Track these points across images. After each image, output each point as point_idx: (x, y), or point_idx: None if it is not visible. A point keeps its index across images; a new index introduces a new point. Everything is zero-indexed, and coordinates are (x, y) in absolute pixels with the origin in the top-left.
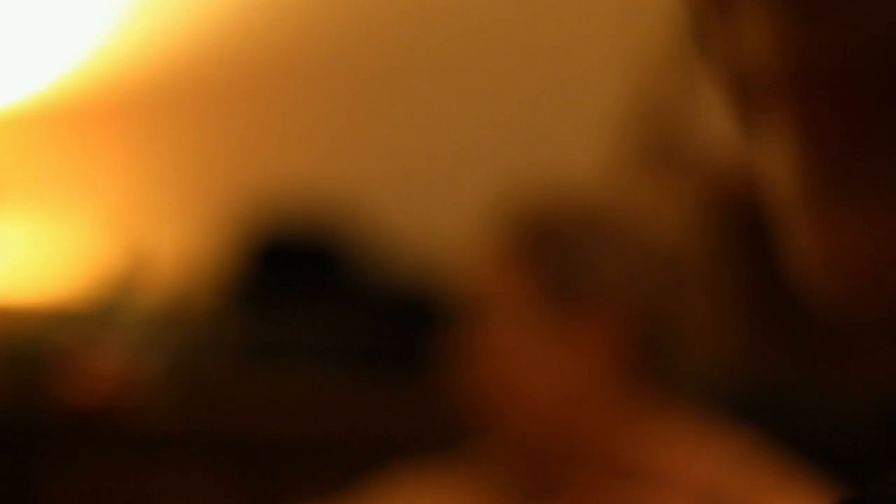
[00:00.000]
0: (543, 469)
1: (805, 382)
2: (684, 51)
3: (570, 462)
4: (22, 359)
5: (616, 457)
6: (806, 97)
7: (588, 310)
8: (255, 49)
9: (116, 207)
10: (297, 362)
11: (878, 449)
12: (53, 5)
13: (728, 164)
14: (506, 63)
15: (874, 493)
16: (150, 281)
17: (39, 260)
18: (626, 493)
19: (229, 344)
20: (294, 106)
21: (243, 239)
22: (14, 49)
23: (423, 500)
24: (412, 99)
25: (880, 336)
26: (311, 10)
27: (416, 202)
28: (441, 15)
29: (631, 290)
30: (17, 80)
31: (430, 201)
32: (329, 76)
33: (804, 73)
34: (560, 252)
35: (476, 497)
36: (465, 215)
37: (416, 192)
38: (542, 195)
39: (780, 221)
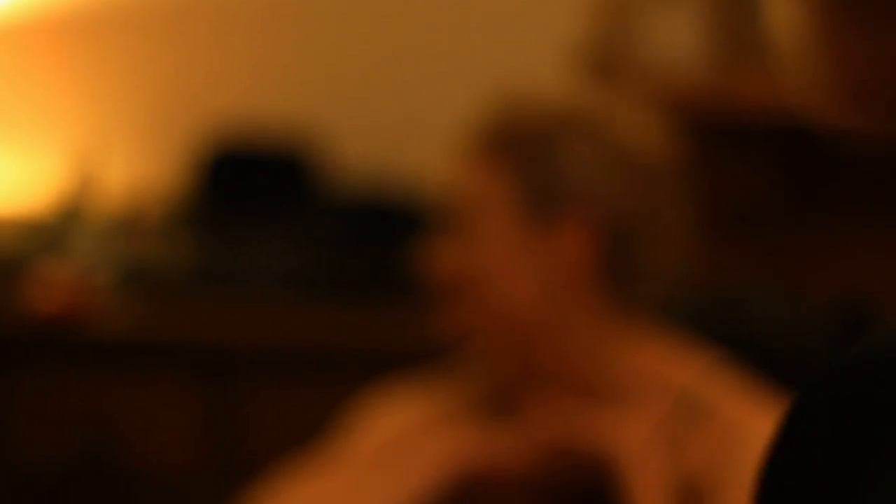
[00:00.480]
0: (514, 384)
1: (764, 294)
2: None
3: (541, 376)
4: None
5: (589, 368)
6: None
7: (565, 213)
8: None
9: (69, 126)
10: (254, 279)
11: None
12: None
13: (687, 74)
14: None
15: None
16: (105, 197)
17: None
18: (594, 411)
19: (184, 257)
20: (249, 25)
21: (199, 157)
22: None
23: (395, 417)
24: (373, 15)
25: (883, 161)
26: None
27: (378, 120)
28: None
29: (605, 192)
30: None
31: (392, 119)
32: None
33: None
34: (535, 153)
35: (446, 413)
36: (429, 129)
37: (379, 109)
38: (511, 102)
39: (790, 56)
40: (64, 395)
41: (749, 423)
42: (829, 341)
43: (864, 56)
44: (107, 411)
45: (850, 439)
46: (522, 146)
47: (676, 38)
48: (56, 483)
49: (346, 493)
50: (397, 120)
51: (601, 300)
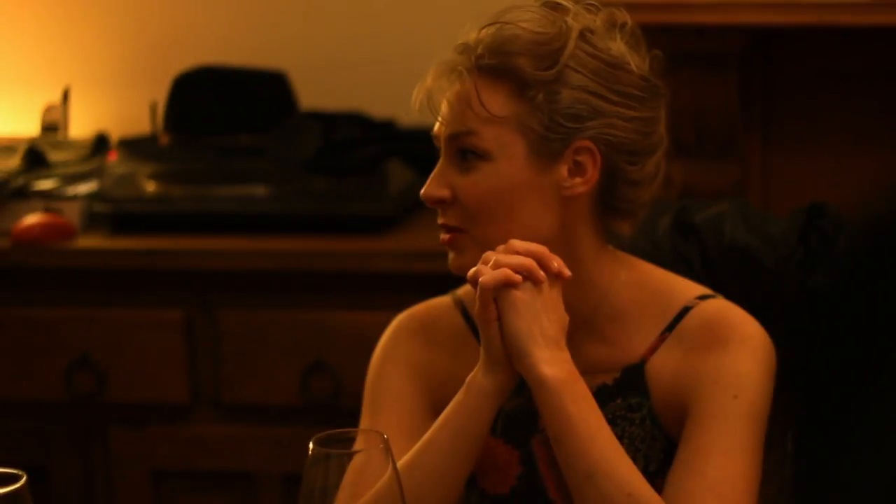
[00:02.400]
0: None
1: (736, 208)
2: None
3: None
4: None
5: (595, 293)
6: None
7: (570, 145)
8: None
9: (39, 69)
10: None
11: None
12: None
13: None
14: None
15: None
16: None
17: None
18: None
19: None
20: None
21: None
22: None
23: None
24: None
25: None
26: None
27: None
28: None
29: (603, 124)
30: None
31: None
32: None
33: None
34: (541, 87)
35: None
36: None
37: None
38: (501, 26)
39: None
40: (44, 328)
41: (737, 345)
42: (799, 242)
43: None
44: (88, 343)
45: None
46: (532, 79)
47: None
48: (41, 420)
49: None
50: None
51: (596, 231)
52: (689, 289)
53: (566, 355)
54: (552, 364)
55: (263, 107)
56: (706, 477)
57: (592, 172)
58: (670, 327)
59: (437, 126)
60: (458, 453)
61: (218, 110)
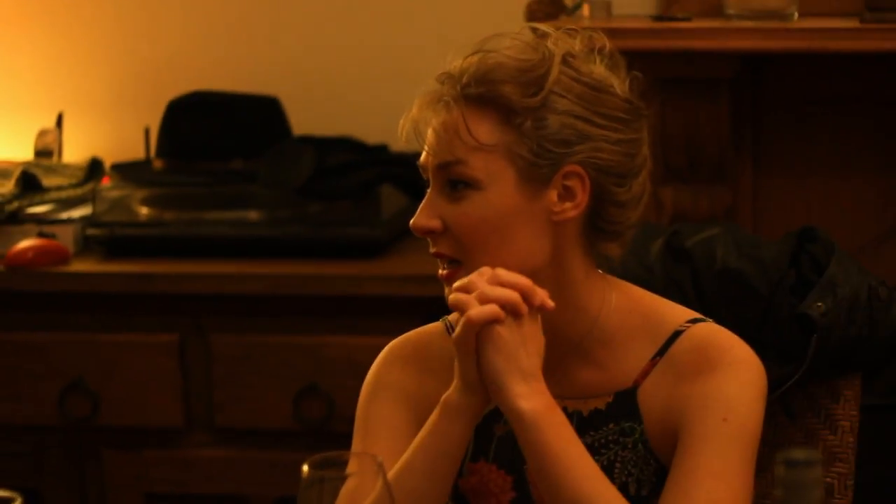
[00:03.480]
0: None
1: (728, 232)
2: None
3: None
4: None
5: (585, 317)
6: None
7: (558, 170)
8: None
9: (34, 94)
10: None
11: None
12: None
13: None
14: None
15: None
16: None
17: None
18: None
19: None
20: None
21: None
22: None
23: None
24: None
25: None
26: None
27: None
28: None
29: (590, 148)
30: None
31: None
32: None
33: None
34: (528, 114)
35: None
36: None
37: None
38: (486, 54)
39: None
40: (37, 351)
41: (732, 368)
42: (791, 266)
43: None
44: (82, 366)
45: None
46: (519, 106)
47: None
48: (35, 442)
49: None
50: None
51: (586, 255)
52: (679, 313)
53: (542, 387)
54: (529, 398)
55: (256, 132)
56: (697, 500)
57: (582, 196)
58: (661, 351)
59: (423, 156)
60: (435, 475)
61: (211, 135)
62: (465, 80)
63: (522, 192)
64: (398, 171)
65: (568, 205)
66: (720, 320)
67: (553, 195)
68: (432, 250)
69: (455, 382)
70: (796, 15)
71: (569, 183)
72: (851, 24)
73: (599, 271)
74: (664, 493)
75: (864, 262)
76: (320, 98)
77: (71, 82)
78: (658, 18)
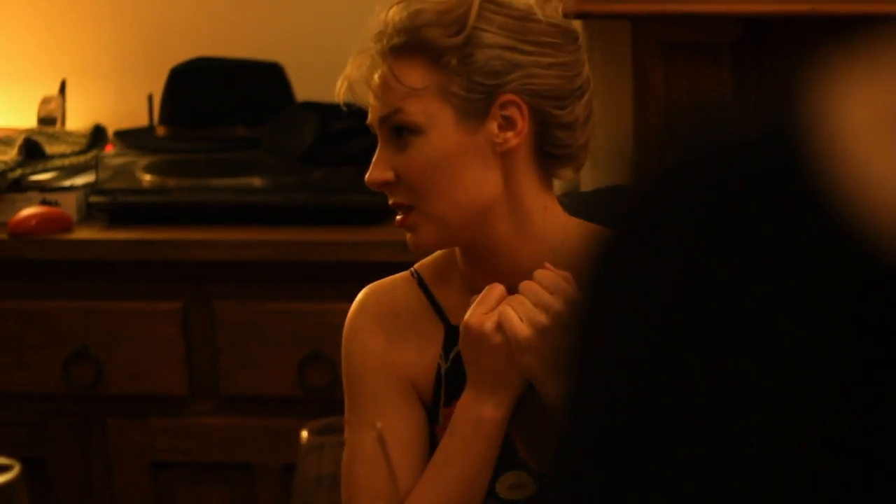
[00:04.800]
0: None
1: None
2: None
3: (502, 257)
4: None
5: (545, 239)
6: None
7: (495, 100)
8: None
9: (36, 63)
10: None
11: None
12: None
13: None
14: None
15: None
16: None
17: None
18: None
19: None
20: None
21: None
22: None
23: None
24: None
25: None
26: None
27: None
28: None
29: (523, 74)
30: None
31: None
32: None
33: None
34: (457, 52)
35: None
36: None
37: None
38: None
39: None
40: (41, 320)
41: None
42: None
43: None
44: (86, 334)
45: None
46: (443, 46)
47: None
48: (39, 411)
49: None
50: None
51: (541, 182)
52: None
53: None
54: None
55: (259, 98)
56: None
57: (522, 124)
58: None
59: (369, 115)
60: (476, 480)
61: (214, 102)
62: (389, 31)
63: (462, 128)
64: None
65: (510, 134)
66: None
67: (493, 126)
68: (390, 201)
69: (495, 398)
70: None
71: (506, 112)
72: None
73: (559, 205)
74: None
75: None
76: (324, 64)
77: (74, 49)
78: None
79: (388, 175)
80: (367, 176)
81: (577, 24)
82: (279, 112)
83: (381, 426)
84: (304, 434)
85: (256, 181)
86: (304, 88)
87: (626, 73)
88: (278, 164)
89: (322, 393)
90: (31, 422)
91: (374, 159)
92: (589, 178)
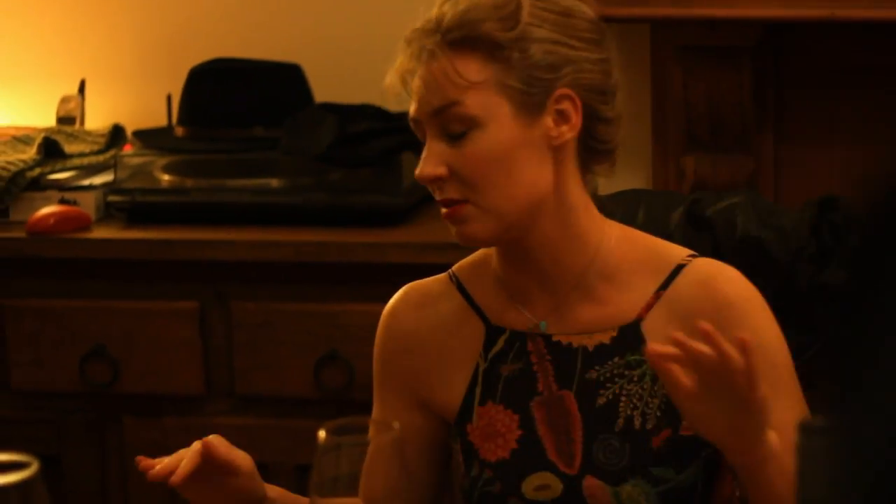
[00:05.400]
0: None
1: (747, 198)
2: None
3: (549, 259)
4: None
5: (589, 246)
6: None
7: (549, 96)
8: None
9: (56, 62)
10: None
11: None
12: None
13: None
14: None
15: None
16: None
17: None
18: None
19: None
20: None
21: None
22: None
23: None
24: None
25: None
26: None
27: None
28: None
29: (573, 70)
30: None
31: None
32: None
33: None
34: (511, 47)
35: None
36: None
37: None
38: None
39: None
40: (59, 318)
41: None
42: (812, 235)
43: None
44: (103, 333)
45: None
46: (501, 40)
47: None
48: (56, 409)
49: None
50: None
51: (583, 183)
52: (679, 250)
53: None
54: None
55: (278, 99)
56: None
57: (576, 118)
58: (664, 285)
59: (414, 109)
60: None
61: (233, 102)
62: (445, 26)
63: (519, 122)
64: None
65: (564, 127)
66: None
67: (549, 120)
68: (439, 197)
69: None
70: None
71: (561, 106)
72: None
73: (595, 206)
74: None
75: None
76: (342, 65)
77: (93, 49)
78: None
79: (442, 170)
80: (417, 171)
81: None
82: (298, 113)
83: (398, 426)
84: (322, 434)
85: (274, 182)
86: (323, 89)
87: (645, 77)
88: (296, 165)
89: (337, 393)
90: (47, 419)
91: (424, 154)
92: (607, 182)
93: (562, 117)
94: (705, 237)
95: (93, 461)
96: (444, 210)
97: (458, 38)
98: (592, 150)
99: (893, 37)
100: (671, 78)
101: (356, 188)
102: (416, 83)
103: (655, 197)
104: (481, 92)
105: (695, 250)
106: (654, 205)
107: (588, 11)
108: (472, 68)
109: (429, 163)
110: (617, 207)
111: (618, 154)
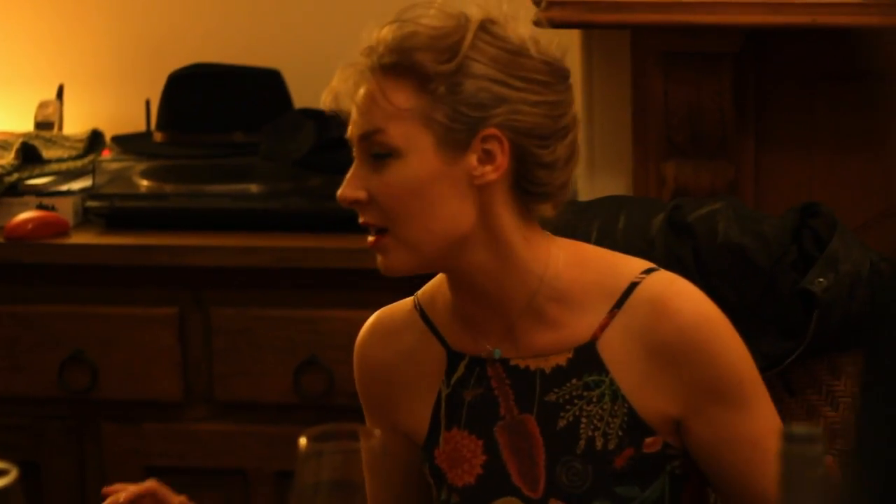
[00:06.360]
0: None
1: (728, 205)
2: None
3: (485, 293)
4: None
5: (531, 278)
6: None
7: (477, 133)
8: None
9: (34, 67)
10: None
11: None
12: None
13: None
14: None
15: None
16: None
17: None
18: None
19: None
20: None
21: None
22: None
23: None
24: None
25: None
26: None
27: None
28: None
29: (509, 110)
30: None
31: None
32: None
33: None
34: (445, 80)
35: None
36: None
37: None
38: (404, 20)
39: None
40: (37, 324)
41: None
42: (793, 241)
43: None
44: (81, 339)
45: None
46: (433, 72)
47: None
48: (34, 415)
49: None
50: None
51: (521, 215)
52: (633, 265)
53: None
54: None
55: (257, 104)
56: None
57: (501, 159)
58: (619, 304)
59: (349, 129)
60: None
61: (212, 108)
62: (380, 49)
63: (442, 157)
64: None
65: (488, 168)
66: (722, 295)
67: (473, 159)
68: (360, 220)
69: None
70: None
71: (487, 146)
72: None
73: (543, 231)
74: (741, 475)
75: (866, 239)
76: (322, 71)
77: (72, 54)
78: None
79: (361, 194)
80: (339, 192)
81: (576, 34)
82: (277, 119)
83: (380, 434)
84: (303, 441)
85: (253, 187)
86: (302, 95)
87: (626, 83)
88: (275, 171)
89: (317, 399)
90: (25, 426)
91: (347, 176)
92: (587, 188)
93: (487, 157)
94: (686, 243)
95: (71, 467)
96: (368, 239)
97: (389, 63)
98: (526, 192)
99: (875, 43)
100: (652, 84)
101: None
102: (350, 105)
103: (636, 203)
104: (406, 122)
105: (676, 256)
106: (635, 211)
107: (545, 50)
108: (401, 96)
109: (350, 185)
110: (598, 214)
111: (567, 194)
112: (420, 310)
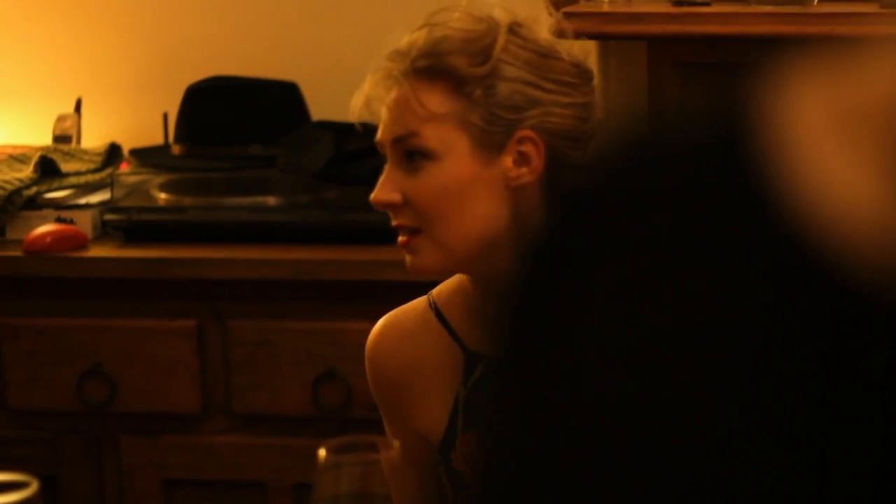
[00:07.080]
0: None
1: None
2: None
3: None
4: None
5: None
6: None
7: (511, 135)
8: None
9: (54, 79)
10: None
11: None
12: None
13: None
14: None
15: None
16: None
17: None
18: None
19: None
20: None
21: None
22: None
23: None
24: None
25: None
26: None
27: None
28: None
29: (540, 111)
30: None
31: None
32: None
33: None
34: (478, 83)
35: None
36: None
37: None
38: (436, 23)
39: None
40: (55, 337)
41: None
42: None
43: None
44: (100, 352)
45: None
46: (467, 75)
47: None
48: (53, 428)
49: None
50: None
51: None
52: None
53: None
54: None
55: (275, 117)
56: None
57: (537, 161)
58: None
59: (380, 133)
60: None
61: (230, 120)
62: (413, 54)
63: (477, 159)
64: None
65: (524, 170)
66: None
67: (508, 161)
68: (394, 222)
69: None
70: (816, 0)
71: (523, 148)
72: (871, 8)
73: None
74: None
75: None
76: (339, 83)
77: (90, 68)
78: (678, 3)
79: (396, 197)
80: (372, 195)
81: (592, 45)
82: (294, 131)
83: (397, 445)
84: (322, 452)
85: (271, 200)
86: (320, 107)
87: (642, 94)
88: (293, 183)
89: (336, 412)
90: (44, 439)
91: (381, 179)
92: None
93: (523, 159)
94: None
95: (90, 480)
96: (399, 238)
97: (424, 66)
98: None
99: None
100: (668, 95)
101: (353, 206)
102: (382, 108)
103: None
104: (441, 125)
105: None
106: None
107: (574, 53)
108: (435, 100)
109: (384, 188)
110: None
111: None
112: (436, 310)
